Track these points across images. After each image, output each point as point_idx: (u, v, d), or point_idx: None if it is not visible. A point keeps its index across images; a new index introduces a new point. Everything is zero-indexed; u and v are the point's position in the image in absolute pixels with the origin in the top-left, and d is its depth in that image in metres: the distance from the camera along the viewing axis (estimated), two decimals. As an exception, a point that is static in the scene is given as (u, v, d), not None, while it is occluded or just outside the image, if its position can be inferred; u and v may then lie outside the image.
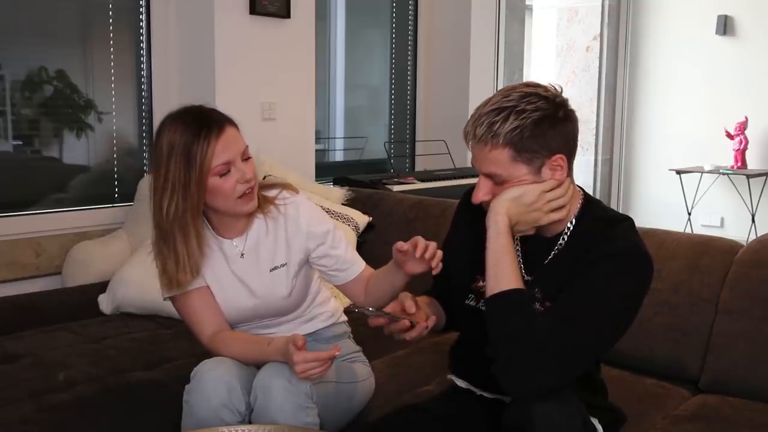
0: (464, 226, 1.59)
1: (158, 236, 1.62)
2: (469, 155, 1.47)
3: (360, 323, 1.87)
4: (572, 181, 1.46)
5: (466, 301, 1.55)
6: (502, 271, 1.36)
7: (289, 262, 1.71)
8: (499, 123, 1.35)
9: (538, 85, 1.41)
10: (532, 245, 1.49)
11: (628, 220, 1.45)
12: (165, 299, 1.71)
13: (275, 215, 1.71)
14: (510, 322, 1.33)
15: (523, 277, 1.46)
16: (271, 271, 1.71)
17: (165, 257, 1.62)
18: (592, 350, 1.37)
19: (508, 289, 1.34)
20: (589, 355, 1.37)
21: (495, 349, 1.34)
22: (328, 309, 1.85)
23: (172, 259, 1.61)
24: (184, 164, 1.55)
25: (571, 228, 1.45)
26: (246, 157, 1.62)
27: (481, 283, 1.50)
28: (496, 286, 1.36)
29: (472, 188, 1.51)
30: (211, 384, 1.55)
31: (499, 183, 1.40)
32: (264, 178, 1.71)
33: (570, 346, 1.30)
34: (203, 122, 1.57)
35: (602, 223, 1.42)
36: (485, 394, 1.57)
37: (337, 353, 1.49)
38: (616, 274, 1.35)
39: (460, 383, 1.65)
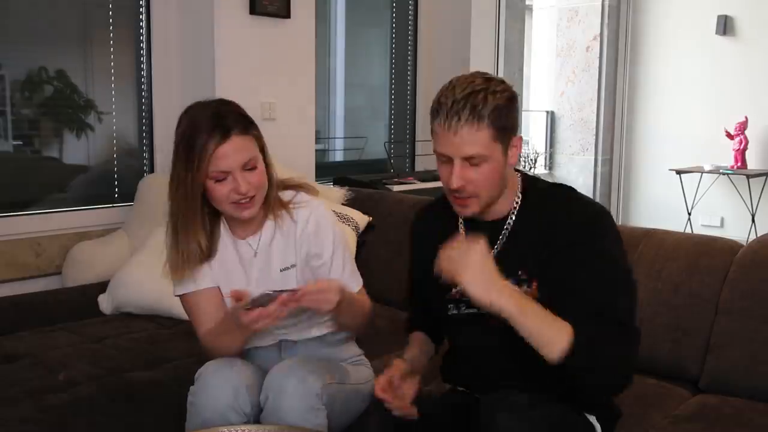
0: (424, 243, 1.60)
1: (169, 221, 1.63)
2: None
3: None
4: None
5: (449, 312, 1.57)
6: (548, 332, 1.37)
7: (297, 264, 1.71)
8: (480, 104, 1.38)
9: (487, 72, 1.47)
10: (479, 228, 1.50)
11: (563, 185, 1.55)
12: (175, 296, 1.72)
13: (286, 221, 1.69)
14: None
15: None
16: (281, 271, 1.69)
17: (171, 245, 1.64)
18: (633, 323, 1.43)
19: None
20: (638, 329, 1.43)
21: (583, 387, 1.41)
22: None
23: (176, 248, 1.63)
24: (184, 159, 1.56)
25: (518, 204, 1.51)
26: (250, 167, 1.58)
27: (454, 290, 1.51)
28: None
29: (423, 206, 1.68)
30: (217, 385, 1.55)
31: (476, 164, 1.42)
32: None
33: (630, 341, 1.40)
34: (211, 123, 1.55)
35: (545, 195, 1.50)
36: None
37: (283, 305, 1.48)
38: (604, 239, 1.42)
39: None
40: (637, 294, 1.48)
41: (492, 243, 1.48)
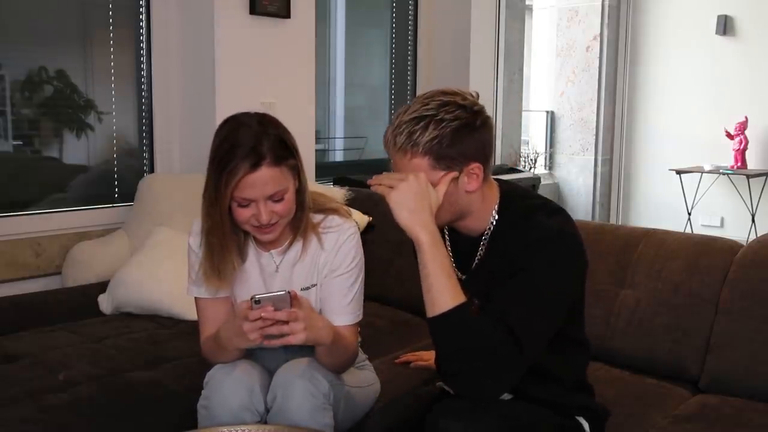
0: None
1: (203, 235, 1.61)
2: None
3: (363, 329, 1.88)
4: (488, 183, 1.48)
5: None
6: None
7: (318, 283, 1.69)
8: (418, 132, 1.36)
9: (455, 93, 1.42)
10: (462, 245, 1.51)
11: (543, 208, 1.46)
12: (188, 295, 1.71)
13: (314, 245, 1.66)
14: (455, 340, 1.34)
15: (458, 276, 1.48)
16: (302, 290, 1.67)
17: (205, 257, 1.61)
18: (535, 347, 1.36)
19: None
20: (533, 351, 1.36)
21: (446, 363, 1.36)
22: None
23: (211, 262, 1.60)
24: (215, 179, 1.52)
25: (493, 224, 1.48)
26: (277, 199, 1.53)
27: None
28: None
29: None
30: (231, 386, 1.55)
31: None
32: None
33: (512, 350, 1.31)
34: (247, 146, 1.49)
35: (517, 217, 1.44)
36: None
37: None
38: (537, 265, 1.36)
39: (447, 388, 1.66)
40: (552, 323, 1.40)
41: (471, 258, 1.48)
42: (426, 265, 1.35)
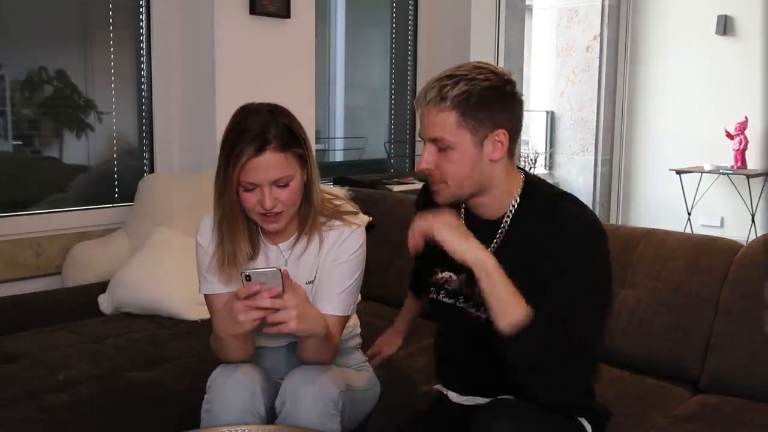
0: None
1: (214, 223, 1.62)
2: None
3: (363, 329, 1.88)
4: (512, 164, 1.48)
5: (430, 296, 1.59)
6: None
7: (316, 278, 1.68)
8: (448, 87, 1.39)
9: (489, 64, 1.46)
10: (476, 226, 1.49)
11: (569, 198, 1.47)
12: (200, 292, 1.71)
13: (315, 242, 1.67)
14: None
15: None
16: (307, 284, 1.67)
17: (218, 244, 1.62)
18: (596, 343, 1.39)
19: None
20: (595, 348, 1.39)
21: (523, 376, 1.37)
22: (349, 324, 1.81)
23: (222, 249, 1.61)
24: (224, 164, 1.53)
25: (515, 206, 1.47)
26: (281, 184, 1.54)
27: (439, 275, 1.55)
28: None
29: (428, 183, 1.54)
30: (233, 389, 1.55)
31: (444, 149, 1.41)
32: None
33: (577, 351, 1.33)
34: (254, 132, 1.51)
35: (543, 204, 1.45)
36: (463, 401, 1.58)
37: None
38: (580, 263, 1.36)
39: (444, 391, 1.65)
40: (606, 318, 1.42)
41: (488, 242, 1.46)
42: (495, 285, 1.34)
